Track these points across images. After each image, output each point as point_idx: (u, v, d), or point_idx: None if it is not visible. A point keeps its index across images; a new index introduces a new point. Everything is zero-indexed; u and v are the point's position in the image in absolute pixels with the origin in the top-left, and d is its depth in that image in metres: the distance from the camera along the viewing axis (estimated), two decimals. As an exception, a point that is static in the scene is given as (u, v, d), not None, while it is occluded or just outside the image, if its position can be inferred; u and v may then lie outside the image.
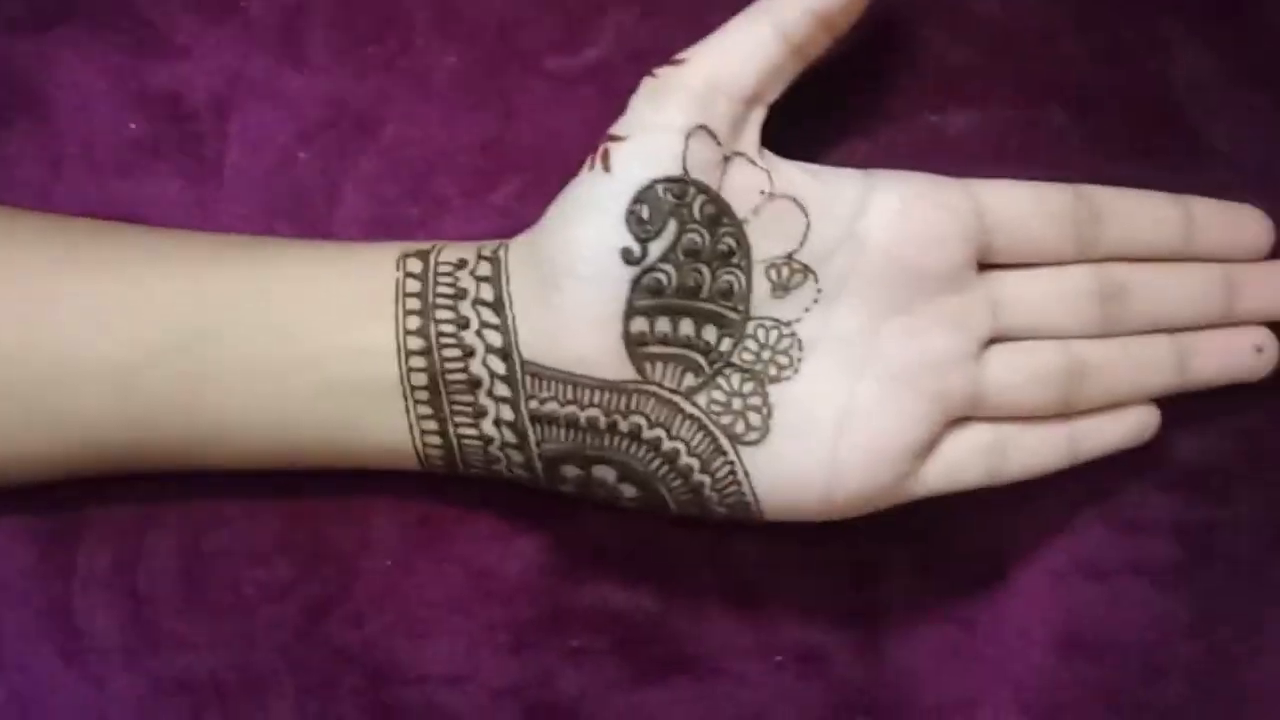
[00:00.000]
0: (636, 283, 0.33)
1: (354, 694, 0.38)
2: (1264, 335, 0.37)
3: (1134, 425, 0.37)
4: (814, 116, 0.38)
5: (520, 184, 0.40)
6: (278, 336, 0.35)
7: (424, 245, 0.36)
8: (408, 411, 0.35)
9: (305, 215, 0.40)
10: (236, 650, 0.38)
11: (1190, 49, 0.39)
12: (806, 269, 0.35)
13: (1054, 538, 0.39)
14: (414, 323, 0.34)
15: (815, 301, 0.35)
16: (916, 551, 0.39)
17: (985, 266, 0.36)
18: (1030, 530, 0.39)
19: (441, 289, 0.35)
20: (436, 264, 0.35)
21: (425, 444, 0.35)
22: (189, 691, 0.38)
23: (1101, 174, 0.37)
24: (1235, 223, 0.37)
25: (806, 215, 0.35)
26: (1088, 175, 0.37)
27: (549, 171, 0.39)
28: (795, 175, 0.35)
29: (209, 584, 0.39)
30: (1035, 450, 0.36)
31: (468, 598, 0.39)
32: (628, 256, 0.33)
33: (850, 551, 0.39)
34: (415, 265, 0.35)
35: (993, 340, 0.36)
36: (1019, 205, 0.36)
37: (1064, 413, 0.36)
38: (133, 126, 0.40)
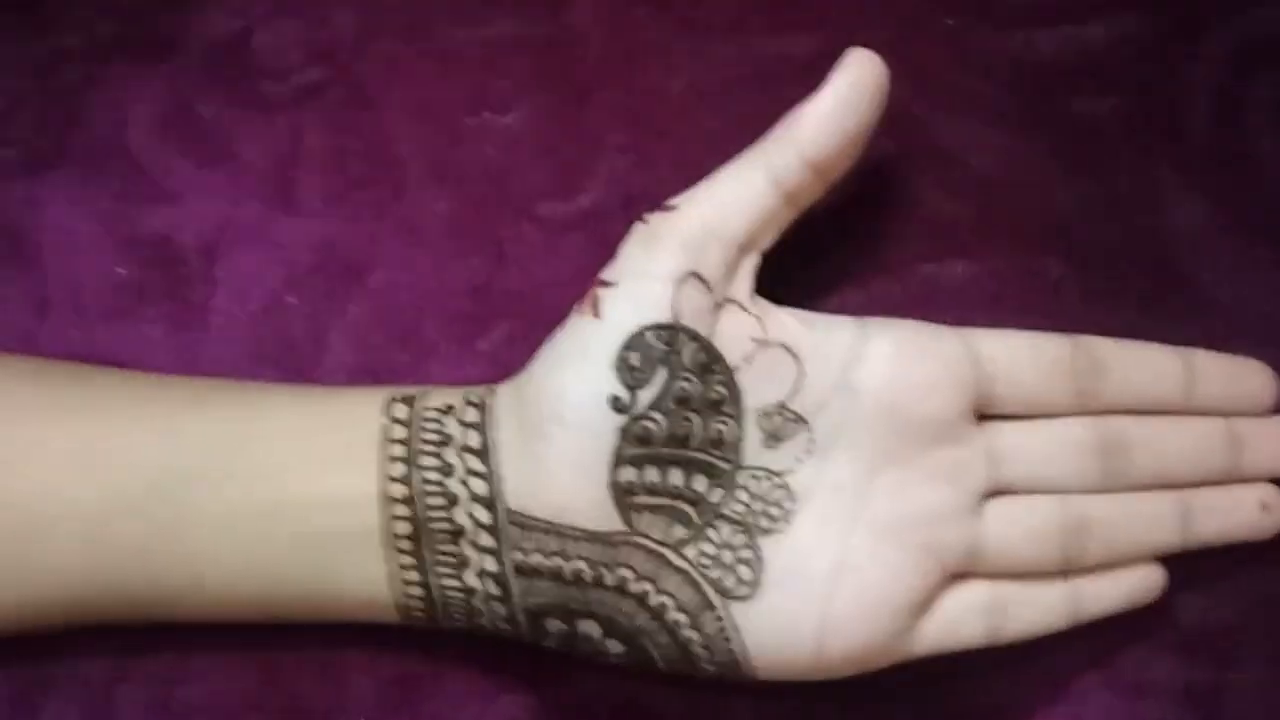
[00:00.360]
0: (625, 431, 0.33)
1: None
2: (1270, 492, 0.36)
3: (1138, 585, 0.35)
4: (808, 267, 0.38)
5: (509, 330, 0.39)
6: (257, 483, 0.34)
7: (410, 390, 0.35)
8: (389, 561, 0.33)
9: (292, 361, 0.39)
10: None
11: (1187, 199, 0.38)
12: (799, 418, 0.34)
13: (1057, 703, 0.37)
14: (398, 470, 0.34)
15: (808, 452, 0.34)
16: (913, 713, 0.37)
17: (983, 418, 0.35)
18: (1032, 695, 0.37)
19: (427, 435, 0.34)
20: (422, 409, 0.34)
21: (406, 595, 0.34)
22: None
23: (1099, 325, 0.36)
24: (1238, 376, 0.36)
25: (799, 363, 0.34)
26: (1085, 326, 0.36)
27: (539, 318, 0.38)
28: (788, 322, 0.34)
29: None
30: (1036, 609, 0.35)
31: (446, 760, 0.37)
32: (616, 404, 0.33)
33: (846, 714, 0.37)
34: (401, 411, 0.34)
35: (991, 493, 0.35)
36: (1017, 354, 0.35)
37: (1065, 570, 0.35)
38: (121, 271, 0.40)
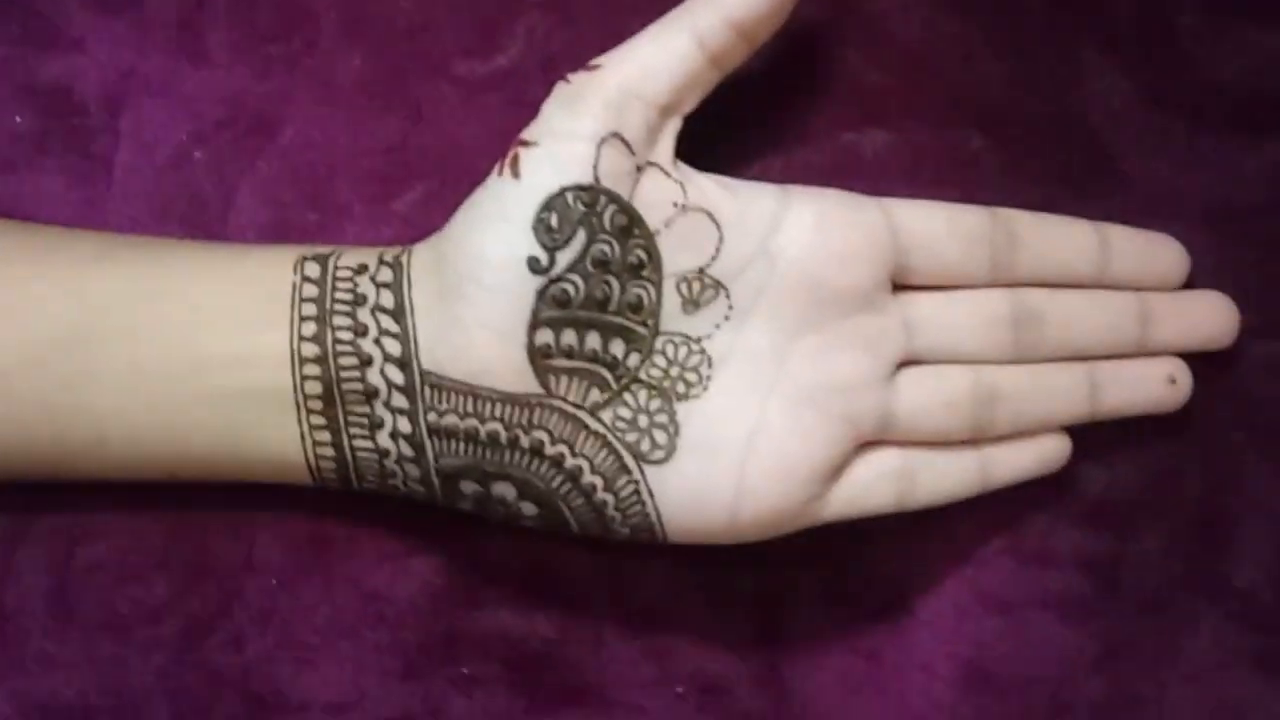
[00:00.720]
0: (542, 293, 0.32)
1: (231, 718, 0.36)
2: (1178, 366, 0.36)
3: (1045, 453, 0.36)
4: (730, 132, 0.37)
5: (424, 191, 0.38)
6: (165, 340, 0.33)
7: (323, 249, 0.34)
8: (300, 422, 0.33)
9: (198, 218, 0.38)
10: (108, 672, 0.36)
11: (1107, 75, 0.38)
12: (718, 284, 0.34)
13: (961, 570, 0.38)
14: (310, 329, 0.33)
15: (726, 318, 0.34)
16: (823, 580, 0.38)
17: (900, 288, 0.35)
18: (938, 561, 0.38)
19: (340, 294, 0.33)
20: (335, 268, 0.33)
21: (318, 456, 0.33)
22: (56, 714, 0.36)
23: (1016, 197, 0.36)
24: (1151, 252, 0.37)
25: (720, 229, 0.33)
26: (1002, 198, 0.36)
27: (455, 178, 0.38)
28: (709, 188, 0.34)
29: (80, 601, 0.36)
30: (945, 476, 0.35)
31: (356, 621, 0.37)
32: (534, 266, 0.32)
33: (756, 579, 0.37)
34: (313, 270, 0.33)
35: (905, 363, 0.35)
36: (934, 225, 0.35)
37: (975, 439, 0.35)
38: (19, 120, 0.38)
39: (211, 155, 0.38)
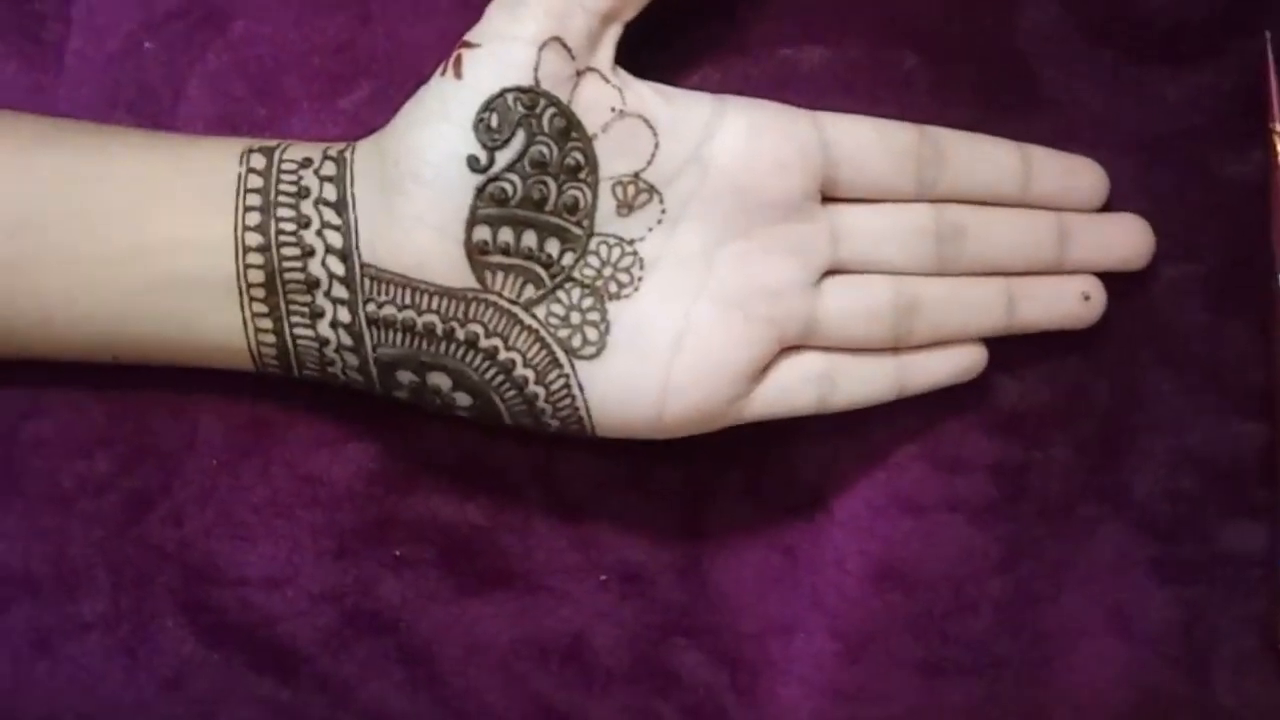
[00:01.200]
0: (481, 191, 0.33)
1: (169, 592, 0.37)
2: (1092, 284, 0.37)
3: (961, 362, 0.37)
4: (669, 42, 0.38)
5: (372, 90, 0.39)
6: (108, 225, 0.33)
7: (269, 142, 0.35)
8: (243, 309, 0.34)
9: (147, 108, 0.38)
10: (51, 542, 0.37)
11: (1038, 1, 0.39)
12: (652, 189, 0.34)
13: (877, 472, 0.39)
14: (254, 219, 0.33)
15: (659, 221, 0.34)
16: (746, 477, 0.39)
17: (829, 200, 0.36)
18: (855, 463, 0.39)
19: (284, 186, 0.34)
20: (280, 161, 0.34)
21: (260, 343, 0.34)
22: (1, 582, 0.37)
23: (945, 117, 0.37)
24: (1072, 173, 0.38)
25: (655, 135, 0.34)
26: (932, 118, 0.37)
27: (402, 79, 0.38)
28: (647, 95, 0.34)
29: (25, 474, 0.37)
30: (864, 380, 0.36)
31: (292, 501, 0.38)
32: (473, 164, 0.33)
33: (680, 474, 0.39)
34: (259, 161, 0.34)
35: (830, 272, 0.36)
36: (864, 139, 0.35)
37: (895, 346, 0.36)
38: (-32, 4, 0.38)
39: (162, 45, 0.39)
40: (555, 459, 0.39)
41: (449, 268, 0.33)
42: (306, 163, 0.34)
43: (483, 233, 0.33)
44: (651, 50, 0.36)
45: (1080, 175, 0.38)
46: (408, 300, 0.33)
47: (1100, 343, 0.39)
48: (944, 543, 0.39)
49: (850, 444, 0.39)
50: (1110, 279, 0.38)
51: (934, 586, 0.39)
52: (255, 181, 0.34)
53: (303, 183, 0.34)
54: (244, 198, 0.34)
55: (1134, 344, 0.39)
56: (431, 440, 0.38)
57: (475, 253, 0.33)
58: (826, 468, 0.39)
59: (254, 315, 0.34)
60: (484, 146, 0.33)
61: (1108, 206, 0.38)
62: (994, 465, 0.39)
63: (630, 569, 0.39)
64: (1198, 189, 0.39)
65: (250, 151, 0.34)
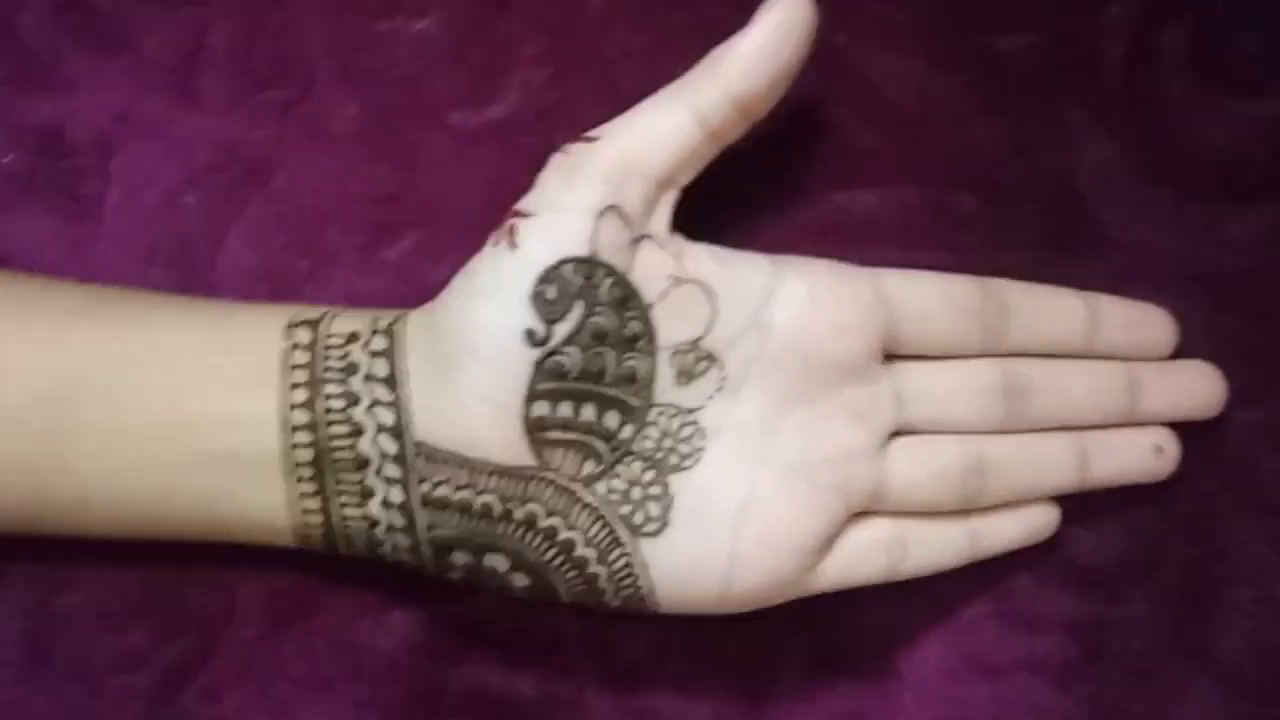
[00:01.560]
0: (539, 365, 0.32)
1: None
2: (1165, 436, 0.36)
3: (1034, 523, 0.36)
4: (721, 192, 0.37)
5: (416, 240, 0.38)
6: (147, 403, 0.32)
7: (312, 313, 0.33)
8: (288, 488, 0.32)
9: (186, 263, 0.38)
10: (82, 721, 0.36)
11: (1096, 140, 0.38)
12: (711, 356, 0.33)
13: (947, 633, 0.37)
14: (300, 396, 0.32)
15: (719, 389, 0.33)
16: (809, 642, 0.37)
17: (890, 357, 0.35)
18: (924, 624, 0.37)
19: (331, 363, 0.32)
20: (326, 336, 0.33)
21: (305, 523, 0.33)
22: (27, 765, 0.35)
23: (1005, 261, 0.36)
24: (1140, 322, 0.36)
25: (713, 302, 0.33)
26: (991, 261, 0.36)
27: (447, 228, 0.38)
28: (704, 260, 0.33)
29: (56, 649, 0.36)
30: (935, 546, 0.35)
31: (335, 674, 0.36)
32: (531, 338, 0.31)
33: (741, 639, 0.37)
34: (303, 336, 0.33)
35: (896, 432, 0.34)
36: (926, 297, 0.34)
37: (964, 508, 0.35)
38: (8, 159, 0.38)
39: (202, 199, 0.38)
40: (609, 626, 0.37)
41: (506, 445, 0.32)
42: (354, 337, 0.33)
43: (541, 408, 0.32)
44: (703, 200, 0.35)
45: (1148, 323, 0.36)
46: (464, 480, 0.32)
47: (1175, 491, 0.37)
48: (1021, 706, 0.37)
49: (920, 603, 0.37)
50: (1183, 425, 0.36)
51: (1013, 758, 0.37)
52: (300, 357, 0.33)
53: (351, 358, 0.33)
54: (289, 375, 0.32)
55: (1211, 491, 0.37)
56: (480, 609, 0.37)
57: (534, 429, 0.32)
58: (894, 628, 0.37)
59: (300, 495, 0.32)
60: (542, 319, 0.32)
61: (1177, 350, 0.37)
62: (1071, 623, 0.37)
63: (690, 739, 0.37)
64: (1266, 329, 0.38)
65: (294, 325, 0.33)
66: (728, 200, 0.37)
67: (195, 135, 0.38)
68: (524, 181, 0.37)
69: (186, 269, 0.38)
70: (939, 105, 0.38)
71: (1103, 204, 0.38)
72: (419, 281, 0.37)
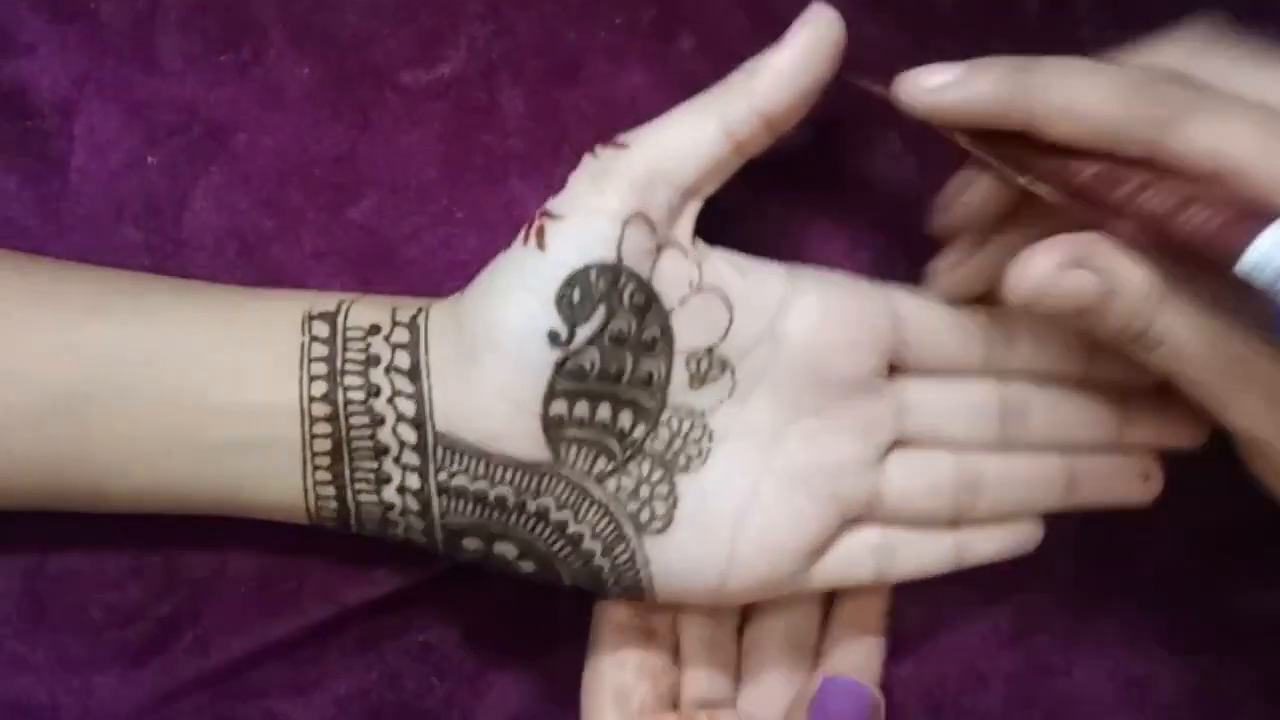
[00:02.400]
0: (560, 366, 0.32)
1: (195, 714, 0.38)
2: (1151, 463, 0.37)
3: (1018, 538, 0.36)
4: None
5: (377, 198, 0.38)
6: (165, 399, 0.33)
7: (329, 304, 0.34)
8: (305, 475, 0.33)
9: (153, 221, 0.38)
10: (78, 674, 0.37)
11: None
12: (725, 363, 0.34)
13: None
14: (319, 389, 0.33)
15: (730, 395, 0.34)
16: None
17: (893, 370, 0.35)
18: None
19: (352, 354, 0.33)
20: (345, 329, 0.33)
21: (320, 505, 0.33)
22: (27, 714, 0.37)
23: (931, 198, 0.36)
24: None
25: (731, 310, 0.34)
26: (918, 198, 0.36)
27: (404, 186, 0.38)
28: (723, 268, 0.34)
29: (54, 605, 0.37)
30: (923, 555, 0.36)
31: (324, 629, 0.38)
32: (554, 339, 0.32)
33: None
34: (321, 329, 0.33)
35: (895, 442, 0.35)
36: (936, 320, 0.35)
37: (954, 521, 0.36)
38: (-28, 123, 0.38)
39: (165, 161, 0.38)
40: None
41: (524, 440, 0.33)
42: (374, 329, 0.33)
43: (559, 406, 0.33)
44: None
45: None
46: (481, 471, 0.33)
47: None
48: (953, 617, 0.39)
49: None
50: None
51: (944, 660, 0.39)
52: (319, 350, 0.33)
53: (372, 350, 0.33)
54: (308, 367, 0.33)
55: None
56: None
57: (551, 426, 0.33)
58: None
59: (317, 482, 0.33)
60: (565, 322, 0.32)
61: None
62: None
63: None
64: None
65: (311, 319, 0.33)
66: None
67: (155, 98, 0.38)
68: (475, 138, 0.38)
69: (154, 228, 0.38)
70: (868, 48, 0.38)
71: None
72: (382, 239, 0.38)
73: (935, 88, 0.31)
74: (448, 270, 0.38)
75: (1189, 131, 0.29)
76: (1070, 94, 0.30)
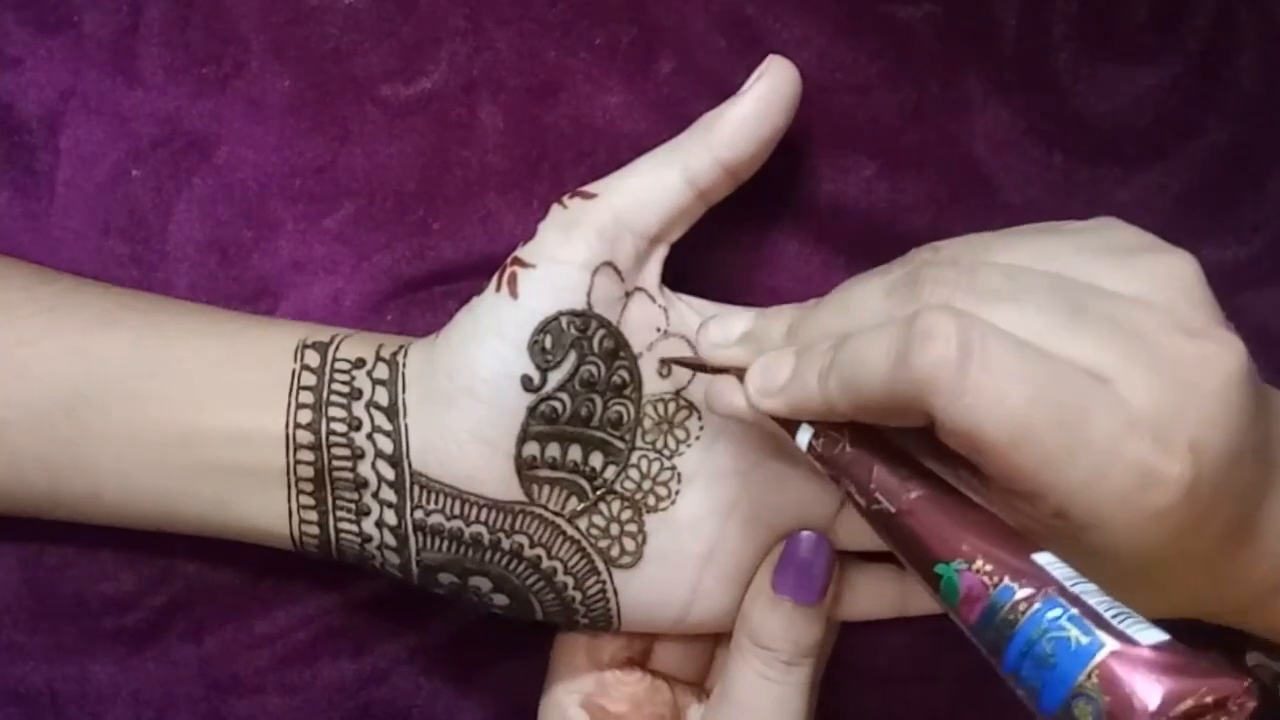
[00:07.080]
0: (533, 410, 0.33)
1: (190, 704, 0.38)
2: None
3: None
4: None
5: (354, 209, 0.38)
6: (162, 412, 0.33)
7: (323, 334, 0.34)
8: (289, 500, 0.33)
9: (139, 234, 0.38)
10: (75, 662, 0.38)
11: (991, 108, 0.38)
12: (692, 406, 0.34)
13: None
14: (305, 417, 0.33)
15: (697, 438, 0.34)
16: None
17: None
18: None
19: (337, 387, 0.33)
20: (334, 360, 0.34)
21: (303, 532, 0.34)
22: (24, 701, 0.38)
23: (904, 224, 0.38)
24: None
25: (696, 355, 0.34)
26: (891, 222, 0.37)
27: (381, 198, 0.38)
28: (689, 315, 0.34)
29: (52, 594, 0.38)
30: (869, 596, 0.36)
31: (313, 615, 0.39)
32: (527, 384, 0.33)
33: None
34: (312, 358, 0.34)
35: None
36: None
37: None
38: (-40, 136, 0.38)
39: (148, 173, 0.38)
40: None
41: (498, 481, 0.33)
42: (360, 363, 0.34)
43: (532, 448, 0.33)
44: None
45: None
46: (456, 510, 0.33)
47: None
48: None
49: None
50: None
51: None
52: (308, 379, 0.34)
53: (355, 384, 0.33)
54: (296, 395, 0.33)
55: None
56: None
57: (524, 467, 0.33)
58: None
59: (300, 507, 0.34)
60: (538, 367, 0.33)
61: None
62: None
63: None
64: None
65: (305, 347, 0.34)
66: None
67: (138, 111, 0.38)
68: (452, 152, 0.38)
69: (139, 240, 0.38)
70: (843, 74, 0.39)
71: (997, 169, 0.39)
72: (362, 251, 0.38)
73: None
74: (423, 281, 0.39)
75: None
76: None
